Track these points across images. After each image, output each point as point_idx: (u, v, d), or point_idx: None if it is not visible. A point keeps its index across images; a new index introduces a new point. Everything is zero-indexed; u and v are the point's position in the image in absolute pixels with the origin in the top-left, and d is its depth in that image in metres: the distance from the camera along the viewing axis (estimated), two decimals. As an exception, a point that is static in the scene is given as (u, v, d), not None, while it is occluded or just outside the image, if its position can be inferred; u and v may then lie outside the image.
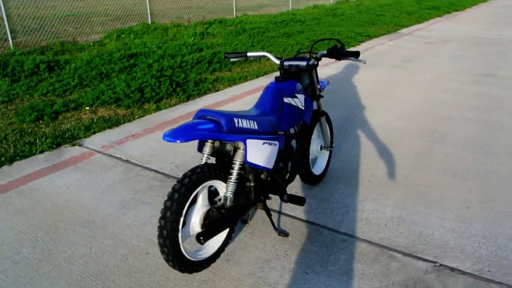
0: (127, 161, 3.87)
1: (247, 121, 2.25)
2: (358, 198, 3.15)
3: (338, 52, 2.70)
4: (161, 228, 2.03)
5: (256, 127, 2.31)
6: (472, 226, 2.81)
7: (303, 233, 2.75)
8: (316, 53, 2.94)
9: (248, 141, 2.23)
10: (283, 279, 2.34)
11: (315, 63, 2.70)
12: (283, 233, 2.70)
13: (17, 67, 6.67)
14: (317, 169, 3.34)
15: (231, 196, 2.28)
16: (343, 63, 7.93)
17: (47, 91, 5.95)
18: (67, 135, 4.50)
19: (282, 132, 2.61)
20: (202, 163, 2.23)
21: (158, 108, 5.34)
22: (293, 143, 2.98)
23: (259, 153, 2.30)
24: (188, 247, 2.46)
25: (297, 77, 2.88)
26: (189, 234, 2.17)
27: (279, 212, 2.98)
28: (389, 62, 7.94)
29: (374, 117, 4.93)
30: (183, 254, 2.13)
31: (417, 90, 6.12)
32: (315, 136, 3.23)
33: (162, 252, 2.06)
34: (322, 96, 3.00)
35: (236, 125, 2.18)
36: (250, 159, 2.25)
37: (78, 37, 10.22)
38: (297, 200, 2.62)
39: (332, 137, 3.45)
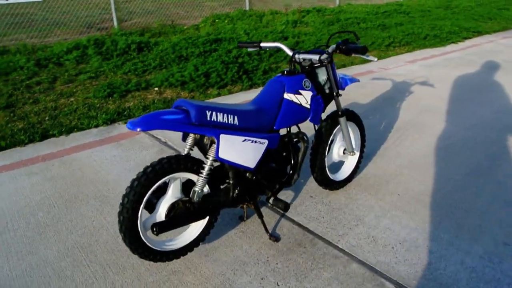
0: (165, 143, 3.97)
1: (225, 115, 2.13)
2: (376, 212, 2.83)
3: (347, 47, 2.42)
4: (119, 213, 2.03)
5: (236, 122, 2.18)
6: (499, 268, 2.34)
7: (296, 240, 2.55)
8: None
9: (222, 136, 2.11)
10: (250, 286, 2.20)
11: (328, 58, 2.44)
12: (274, 238, 2.54)
13: (111, 47, 7.26)
14: (339, 175, 3.07)
15: (199, 191, 2.19)
16: (435, 61, 7.17)
17: (129, 70, 6.37)
18: (125, 112, 4.77)
19: (276, 130, 2.42)
20: (178, 154, 2.17)
21: (218, 94, 5.39)
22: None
23: (236, 150, 2.17)
24: (155, 237, 2.43)
25: (312, 72, 2.65)
26: (154, 222, 2.14)
27: (283, 214, 2.81)
28: (489, 63, 6.96)
29: (442, 124, 4.36)
30: (143, 241, 2.11)
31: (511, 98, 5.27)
32: (337, 138, 2.96)
33: (122, 237, 2.07)
34: (339, 95, 2.72)
35: (208, 118, 2.07)
36: (222, 155, 2.14)
37: (177, 21, 10.78)
38: (280, 205, 2.44)
39: (363, 140, 3.13)
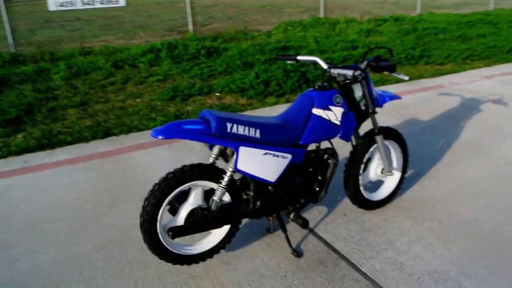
0: (213, 148, 4.09)
1: (246, 128, 2.17)
2: (410, 237, 2.69)
3: (376, 64, 2.34)
4: (140, 214, 2.15)
5: (257, 135, 2.20)
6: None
7: (319, 259, 2.51)
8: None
9: (242, 148, 2.15)
10: (262, 300, 2.22)
11: (361, 74, 2.38)
12: (297, 253, 2.52)
13: (182, 51, 7.61)
14: (376, 195, 2.96)
15: (217, 200, 2.25)
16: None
17: (196, 74, 6.65)
18: (184, 116, 4.99)
19: (303, 145, 2.41)
20: (201, 163, 2.25)
21: (275, 103, 5.43)
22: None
23: (256, 162, 2.20)
24: (177, 241, 2.50)
25: (347, 88, 2.59)
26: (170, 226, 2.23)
27: (311, 230, 2.77)
28: None
29: (506, 148, 4.01)
30: (162, 243, 2.21)
31: None
32: (375, 156, 2.86)
33: (142, 237, 2.19)
34: (375, 112, 2.63)
35: (228, 130, 2.12)
36: (241, 167, 2.18)
37: (255, 27, 10.99)
38: (299, 221, 2.41)
39: (406, 160, 2.99)
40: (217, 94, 5.83)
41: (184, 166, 2.19)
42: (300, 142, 2.39)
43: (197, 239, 2.48)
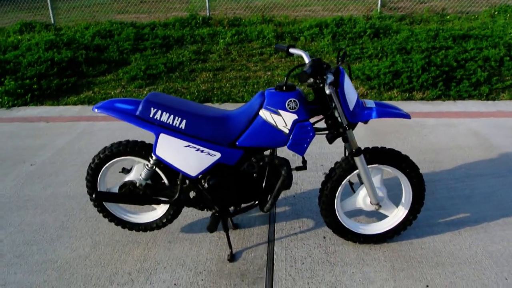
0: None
1: (171, 116, 2.15)
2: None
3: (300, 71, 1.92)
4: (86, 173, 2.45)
5: (182, 126, 2.16)
6: None
7: (244, 271, 2.33)
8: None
9: (162, 135, 2.16)
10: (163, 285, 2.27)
11: (302, 77, 1.99)
12: (231, 256, 2.41)
13: (347, 29, 7.31)
14: (365, 227, 2.46)
15: (140, 179, 2.33)
16: None
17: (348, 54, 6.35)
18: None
19: (241, 147, 2.21)
20: (139, 141, 2.38)
21: (390, 98, 4.80)
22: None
23: (177, 153, 2.18)
24: (121, 206, 2.64)
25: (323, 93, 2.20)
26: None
27: (272, 240, 2.56)
28: None
29: None
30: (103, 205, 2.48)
31: None
32: (368, 184, 2.34)
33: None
34: (347, 129, 2.14)
35: (151, 115, 2.16)
36: (160, 154, 2.20)
37: (465, 8, 9.50)
38: (209, 224, 2.29)
39: (417, 195, 2.35)
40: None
41: (120, 142, 2.34)
42: (237, 143, 2.20)
43: (140, 210, 2.62)
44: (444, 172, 3.17)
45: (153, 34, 7.60)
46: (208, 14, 8.95)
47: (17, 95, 5.23)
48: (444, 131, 3.89)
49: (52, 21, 9.17)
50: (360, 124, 4.10)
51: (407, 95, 4.84)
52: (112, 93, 5.35)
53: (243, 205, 2.68)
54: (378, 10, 8.85)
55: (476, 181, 3.04)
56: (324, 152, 3.57)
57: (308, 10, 10.76)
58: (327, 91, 2.00)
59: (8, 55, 6.41)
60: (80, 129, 4.31)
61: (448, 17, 8.47)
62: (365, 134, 3.90)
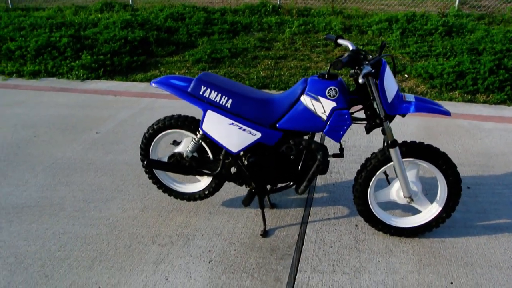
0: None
1: (219, 95, 2.31)
2: (388, 279, 2.25)
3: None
4: (141, 142, 2.69)
5: (228, 105, 2.32)
6: None
7: (275, 247, 2.46)
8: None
9: (210, 112, 2.34)
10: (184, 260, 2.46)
11: (338, 66, 2.04)
12: (265, 232, 2.56)
13: (418, 25, 7.10)
14: (398, 220, 2.49)
15: (187, 151, 2.53)
16: None
17: (412, 51, 6.21)
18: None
19: (281, 129, 2.33)
20: (189, 116, 2.58)
21: (450, 99, 4.66)
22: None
23: (221, 129, 2.34)
24: (170, 175, 2.87)
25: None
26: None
27: (305, 222, 2.67)
28: None
29: None
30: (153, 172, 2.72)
31: None
32: (402, 177, 2.37)
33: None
34: (384, 120, 2.18)
35: (201, 93, 2.34)
36: (205, 128, 2.37)
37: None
38: (244, 199, 2.43)
39: (453, 192, 2.33)
40: (405, 75, 5.39)
41: (173, 116, 2.55)
42: (277, 125, 2.32)
43: (186, 181, 2.82)
44: (493, 177, 3.07)
45: (222, 19, 7.85)
46: (278, 2, 9.04)
47: (92, 69, 5.69)
48: (501, 136, 3.73)
49: (130, 2, 9.73)
50: (413, 121, 4.04)
51: (470, 97, 4.67)
52: (177, 73, 5.66)
53: (279, 185, 2.80)
54: (456, 8, 8.46)
55: (526, 189, 2.93)
56: (371, 146, 3.59)
57: (383, 4, 10.49)
58: (360, 81, 2.05)
59: (88, 32, 6.95)
60: (144, 104, 4.63)
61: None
62: (417, 131, 3.84)
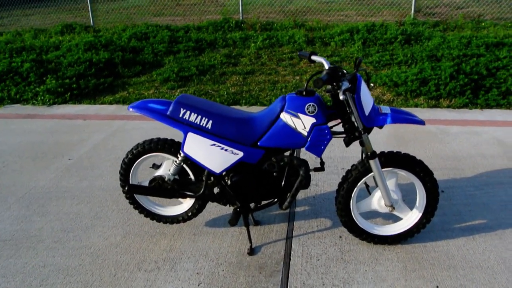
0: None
1: (199, 117, 2.32)
2: None
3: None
4: (120, 166, 2.65)
5: (208, 126, 2.33)
6: None
7: (262, 264, 2.47)
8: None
9: (190, 134, 2.34)
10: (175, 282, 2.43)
11: (319, 84, 2.11)
12: (251, 251, 2.56)
13: (378, 35, 7.34)
14: (380, 228, 2.56)
15: (168, 174, 2.51)
16: None
17: (374, 61, 6.41)
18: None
19: (262, 147, 2.36)
20: (169, 139, 2.56)
21: (416, 105, 4.84)
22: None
23: (203, 151, 2.35)
24: (149, 198, 2.84)
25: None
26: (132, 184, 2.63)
27: (290, 236, 2.69)
28: None
29: None
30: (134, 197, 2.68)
31: None
32: (383, 187, 2.45)
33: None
34: (363, 133, 2.25)
35: (181, 115, 2.34)
36: (187, 151, 2.37)
37: (488, 15, 9.33)
38: (230, 219, 2.44)
39: (431, 198, 2.42)
40: (371, 84, 5.55)
41: (152, 139, 2.53)
42: (259, 143, 2.35)
43: (168, 204, 2.80)
44: (464, 180, 3.21)
45: (187, 37, 7.86)
46: (241, 18, 9.15)
47: (58, 93, 5.57)
48: (467, 139, 3.91)
49: (92, 23, 9.60)
50: (383, 130, 4.17)
51: (434, 102, 4.87)
52: (146, 93, 5.61)
53: (263, 202, 2.82)
54: (412, 16, 8.82)
55: (495, 189, 3.07)
56: (346, 156, 3.67)
57: (342, 15, 10.81)
58: (341, 97, 2.12)
59: (50, 55, 6.80)
60: (115, 127, 4.57)
61: (483, 24, 8.35)
62: (387, 140, 3.97)
